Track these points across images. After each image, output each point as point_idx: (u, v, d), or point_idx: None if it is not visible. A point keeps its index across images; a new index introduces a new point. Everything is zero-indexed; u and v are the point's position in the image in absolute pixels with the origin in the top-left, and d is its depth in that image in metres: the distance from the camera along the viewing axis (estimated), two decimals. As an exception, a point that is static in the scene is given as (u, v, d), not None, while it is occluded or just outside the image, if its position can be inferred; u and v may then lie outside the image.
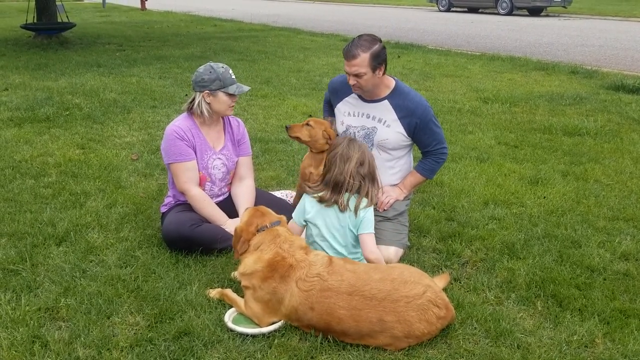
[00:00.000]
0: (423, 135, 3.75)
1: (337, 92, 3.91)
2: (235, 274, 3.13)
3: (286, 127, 3.88)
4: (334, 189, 3.21)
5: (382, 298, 2.66)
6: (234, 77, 3.75)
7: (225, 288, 3.16)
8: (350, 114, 3.85)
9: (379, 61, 3.55)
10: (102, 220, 4.09)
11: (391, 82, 3.76)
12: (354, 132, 3.82)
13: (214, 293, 3.13)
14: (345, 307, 2.66)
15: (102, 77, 9.65)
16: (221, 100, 3.69)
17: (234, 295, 3.04)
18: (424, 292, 2.71)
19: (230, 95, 3.71)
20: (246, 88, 3.80)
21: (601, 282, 3.36)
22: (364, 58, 3.52)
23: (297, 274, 2.78)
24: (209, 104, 3.71)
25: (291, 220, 3.35)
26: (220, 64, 3.74)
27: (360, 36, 3.63)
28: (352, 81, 3.64)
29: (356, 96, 3.81)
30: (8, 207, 4.28)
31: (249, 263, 2.90)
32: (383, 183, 3.86)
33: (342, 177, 3.18)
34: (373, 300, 2.66)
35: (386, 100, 3.72)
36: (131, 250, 3.65)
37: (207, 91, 3.67)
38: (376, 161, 3.82)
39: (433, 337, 2.77)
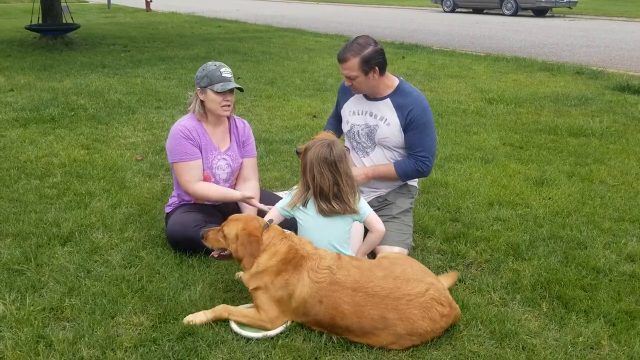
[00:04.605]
0: (412, 135, 3.69)
1: (345, 91, 3.92)
2: (239, 275, 3.11)
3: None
4: (323, 197, 3.15)
5: (385, 295, 2.68)
6: (225, 75, 3.63)
7: (220, 304, 2.99)
8: (354, 113, 3.86)
9: (370, 65, 3.55)
10: (106, 220, 4.09)
11: (394, 82, 3.76)
12: (358, 131, 3.83)
13: (210, 316, 2.89)
14: (349, 303, 2.69)
15: (107, 77, 9.68)
16: (210, 98, 3.67)
17: (240, 311, 2.90)
18: (427, 289, 2.71)
19: (219, 93, 3.63)
20: (231, 85, 3.64)
21: (607, 283, 3.34)
22: (353, 62, 3.54)
23: (309, 264, 2.80)
24: (202, 101, 3.72)
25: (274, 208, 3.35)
26: (216, 62, 3.72)
27: (355, 38, 3.64)
28: (347, 82, 3.70)
29: (361, 95, 3.81)
30: (13, 207, 4.29)
31: (263, 260, 2.86)
32: (384, 181, 3.86)
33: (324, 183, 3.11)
34: (375, 297, 2.68)
35: (388, 99, 3.73)
36: (135, 251, 3.66)
37: (199, 88, 3.69)
38: (380, 159, 3.82)
39: (438, 336, 2.76)
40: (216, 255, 3.12)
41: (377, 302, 2.67)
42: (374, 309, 2.66)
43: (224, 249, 3.06)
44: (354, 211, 3.18)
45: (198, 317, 2.88)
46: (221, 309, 2.91)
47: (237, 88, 3.70)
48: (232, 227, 2.98)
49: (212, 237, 3.06)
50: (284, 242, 2.91)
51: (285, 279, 2.80)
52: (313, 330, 2.83)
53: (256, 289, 2.87)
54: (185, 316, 2.92)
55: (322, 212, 3.16)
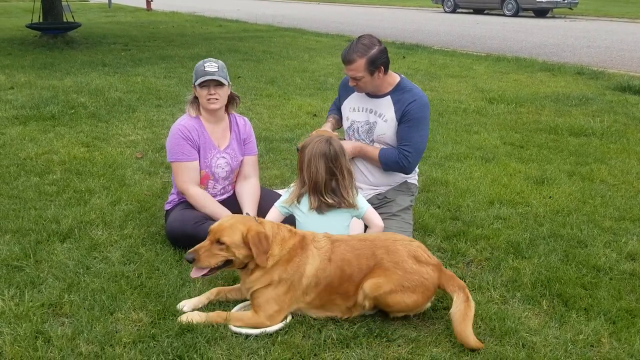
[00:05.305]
0: (403, 128, 3.68)
1: (346, 88, 3.91)
2: (251, 281, 2.90)
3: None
4: (314, 191, 3.21)
5: (374, 239, 3.03)
6: (208, 69, 3.63)
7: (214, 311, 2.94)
8: (355, 110, 3.86)
9: (376, 65, 3.55)
10: (106, 217, 4.09)
11: (395, 79, 3.75)
12: (358, 127, 3.83)
13: (204, 319, 2.85)
14: (350, 250, 2.93)
15: (107, 76, 9.67)
16: (198, 94, 3.71)
17: (234, 315, 2.88)
18: (412, 242, 3.03)
19: (202, 87, 3.65)
20: (208, 77, 3.60)
21: (607, 281, 3.33)
22: (360, 63, 3.52)
23: (309, 240, 2.96)
24: (197, 98, 3.75)
25: (273, 209, 3.36)
26: (206, 58, 3.75)
27: (358, 39, 3.62)
28: (352, 83, 3.67)
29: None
30: (12, 204, 4.28)
31: (276, 252, 2.87)
32: (383, 178, 3.86)
33: (319, 178, 3.17)
34: (366, 241, 3.01)
35: (389, 96, 3.73)
36: (135, 247, 3.65)
37: (193, 86, 3.73)
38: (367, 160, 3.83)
39: (428, 295, 2.86)
40: (204, 273, 2.88)
41: (368, 244, 2.96)
42: (366, 250, 2.93)
43: (218, 265, 2.87)
44: (351, 205, 3.22)
45: (195, 317, 2.84)
46: (215, 316, 2.86)
47: (215, 80, 3.62)
48: (232, 233, 2.81)
49: (207, 255, 2.81)
50: (282, 229, 2.96)
51: (297, 262, 2.87)
52: (312, 326, 2.84)
53: (266, 286, 2.84)
54: (182, 314, 2.90)
55: (316, 209, 3.20)
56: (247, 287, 2.91)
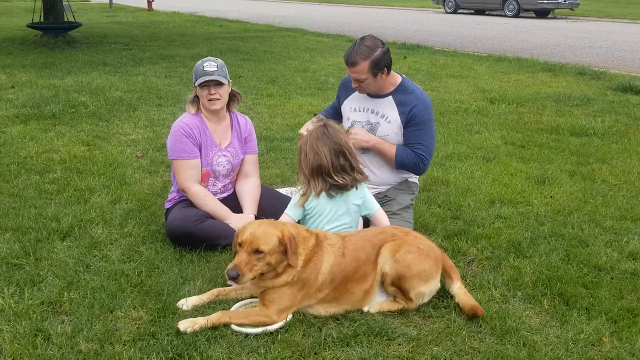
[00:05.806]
0: (412, 132, 3.69)
1: (346, 88, 3.91)
2: (279, 283, 2.88)
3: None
4: (317, 176, 3.23)
5: (378, 226, 3.32)
6: (207, 69, 3.62)
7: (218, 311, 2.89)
8: (355, 110, 3.85)
9: (379, 67, 3.54)
10: (106, 215, 4.08)
11: (397, 79, 3.75)
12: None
13: (209, 323, 2.78)
14: (360, 239, 3.05)
15: (108, 75, 9.67)
16: (199, 93, 3.71)
17: (240, 313, 2.85)
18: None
19: (202, 87, 3.65)
20: (207, 77, 3.60)
21: (608, 281, 3.32)
22: (363, 66, 3.52)
23: (321, 238, 3.01)
24: (197, 97, 3.76)
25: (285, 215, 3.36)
26: (206, 57, 3.75)
27: (361, 40, 3.60)
28: (354, 84, 3.67)
29: None
30: (13, 202, 4.28)
31: (300, 252, 2.88)
32: (385, 177, 3.86)
33: (322, 161, 3.20)
34: (372, 229, 3.25)
35: (390, 97, 3.72)
36: (135, 246, 3.64)
37: (194, 86, 3.73)
38: (378, 156, 3.82)
39: (439, 265, 3.02)
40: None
41: (375, 229, 3.21)
42: (374, 231, 3.15)
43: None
44: (363, 177, 3.27)
45: (198, 323, 2.76)
46: (220, 316, 2.81)
47: (214, 80, 3.62)
48: (269, 240, 2.78)
49: (248, 267, 2.75)
50: (300, 229, 3.01)
51: (315, 261, 2.90)
52: (313, 324, 2.83)
53: (282, 284, 2.84)
54: (184, 311, 2.90)
55: (325, 191, 3.23)
56: (262, 285, 2.87)
